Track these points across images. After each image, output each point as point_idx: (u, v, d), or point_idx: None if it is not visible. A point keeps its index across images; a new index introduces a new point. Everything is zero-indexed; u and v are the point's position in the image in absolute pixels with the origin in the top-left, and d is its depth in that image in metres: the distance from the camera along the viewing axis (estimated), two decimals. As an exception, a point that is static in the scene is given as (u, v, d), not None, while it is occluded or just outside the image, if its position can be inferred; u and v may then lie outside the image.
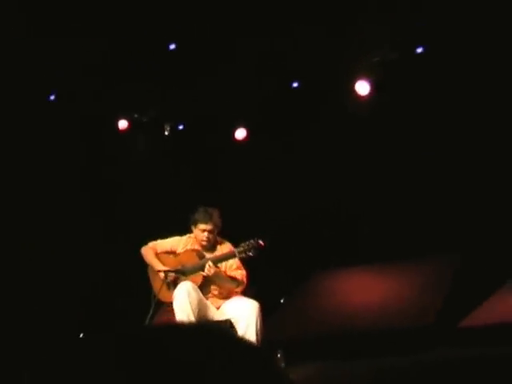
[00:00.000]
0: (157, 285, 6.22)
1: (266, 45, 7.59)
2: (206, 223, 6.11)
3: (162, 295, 6.12)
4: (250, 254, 5.86)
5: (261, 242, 5.85)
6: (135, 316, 6.77)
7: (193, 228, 6.21)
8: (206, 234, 6.13)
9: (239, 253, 5.92)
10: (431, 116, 7.54)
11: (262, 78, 7.92)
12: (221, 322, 6.02)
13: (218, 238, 6.26)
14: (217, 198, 7.15)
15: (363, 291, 7.21)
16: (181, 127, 8.81)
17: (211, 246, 6.23)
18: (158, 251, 6.36)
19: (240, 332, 5.84)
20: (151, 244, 6.41)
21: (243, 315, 5.88)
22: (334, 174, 7.94)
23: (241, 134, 8.49)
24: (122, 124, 8.66)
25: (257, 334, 5.81)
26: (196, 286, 5.99)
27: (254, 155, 8.30)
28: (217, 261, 6.05)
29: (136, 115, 8.75)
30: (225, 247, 6.24)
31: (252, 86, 8.02)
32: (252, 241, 5.88)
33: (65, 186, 8.06)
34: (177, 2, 7.52)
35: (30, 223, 7.70)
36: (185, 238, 6.34)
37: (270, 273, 6.37)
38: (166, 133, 8.74)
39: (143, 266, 6.44)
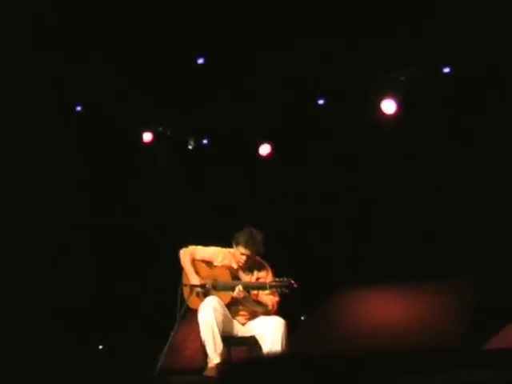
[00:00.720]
0: (186, 291, 6.21)
1: (292, 59, 7.60)
2: (245, 248, 6.06)
3: (191, 302, 6.11)
4: (282, 290, 5.87)
5: (294, 283, 5.86)
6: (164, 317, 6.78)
7: (234, 246, 6.18)
8: (244, 257, 6.09)
9: (270, 287, 5.92)
10: (456, 136, 7.52)
11: (287, 93, 7.93)
12: (245, 338, 6.02)
13: (259, 261, 6.23)
14: (239, 212, 7.14)
15: (384, 311, 7.16)
16: (205, 141, 8.83)
17: (248, 268, 6.20)
18: (196, 257, 6.32)
19: (265, 349, 5.83)
20: (191, 248, 6.35)
21: (269, 332, 5.85)
22: (357, 190, 7.92)
23: (265, 149, 8.49)
24: (147, 137, 8.71)
25: (282, 351, 5.78)
26: (222, 303, 5.97)
27: (278, 170, 8.30)
28: (248, 287, 6.03)
29: (160, 128, 8.79)
30: (262, 273, 6.20)
31: (277, 101, 8.02)
32: (286, 279, 5.88)
33: (89, 195, 8.09)
34: (204, 16, 7.55)
35: (57, 236, 7.72)
36: (225, 251, 6.29)
37: (292, 290, 6.33)
38: (190, 147, 8.77)
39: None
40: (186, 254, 6.33)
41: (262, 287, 6.02)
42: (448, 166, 7.46)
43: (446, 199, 7.46)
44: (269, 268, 6.23)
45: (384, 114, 7.85)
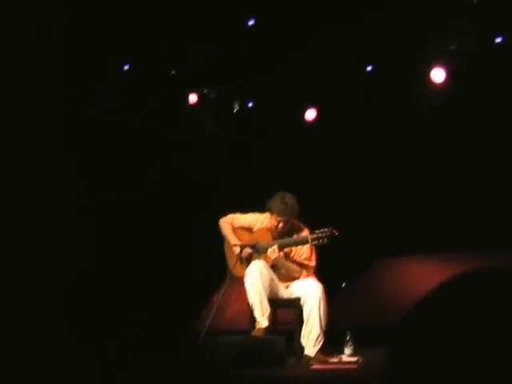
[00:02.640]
0: (231, 259, 6.26)
1: (341, 27, 7.53)
2: (280, 214, 6.08)
3: (236, 270, 6.16)
4: (323, 242, 5.83)
5: (335, 231, 5.81)
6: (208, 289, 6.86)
7: (269, 214, 6.19)
8: (281, 223, 6.11)
9: (312, 240, 5.88)
10: (506, 109, 7.43)
11: (335, 60, 7.88)
12: (290, 300, 6.07)
13: (296, 223, 6.24)
14: (282, 178, 7.14)
15: (425, 281, 7.15)
16: (250, 105, 8.82)
17: (287, 232, 6.21)
18: (236, 225, 6.37)
19: (305, 312, 5.88)
20: (230, 217, 6.41)
21: (309, 296, 5.89)
22: (403, 160, 7.88)
23: (311, 114, 8.47)
24: (192, 98, 8.73)
25: (320, 315, 5.82)
26: (268, 266, 6.02)
27: (322, 137, 8.28)
28: (288, 244, 6.04)
29: (206, 90, 8.79)
30: (300, 233, 6.22)
31: (325, 68, 7.97)
32: (326, 229, 5.82)
33: (135, 157, 8.12)
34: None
35: (108, 191, 7.75)
36: (263, 216, 6.32)
37: (334, 257, 6.34)
38: (235, 110, 8.78)
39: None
40: (226, 223, 6.39)
41: (302, 242, 6.03)
42: (499, 138, 7.38)
43: (496, 171, 7.40)
44: (306, 227, 6.24)
45: (433, 83, 7.79)
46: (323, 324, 5.82)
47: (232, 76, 8.43)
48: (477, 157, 7.49)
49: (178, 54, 8.13)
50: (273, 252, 5.95)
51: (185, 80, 8.53)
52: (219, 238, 6.49)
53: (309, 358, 5.76)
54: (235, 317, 7.16)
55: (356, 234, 6.03)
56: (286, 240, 6.10)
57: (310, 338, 5.82)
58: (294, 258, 6.15)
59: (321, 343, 5.81)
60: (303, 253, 6.15)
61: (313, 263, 6.15)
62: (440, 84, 7.82)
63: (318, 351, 5.79)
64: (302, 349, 5.84)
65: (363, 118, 8.17)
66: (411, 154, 7.86)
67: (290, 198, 6.08)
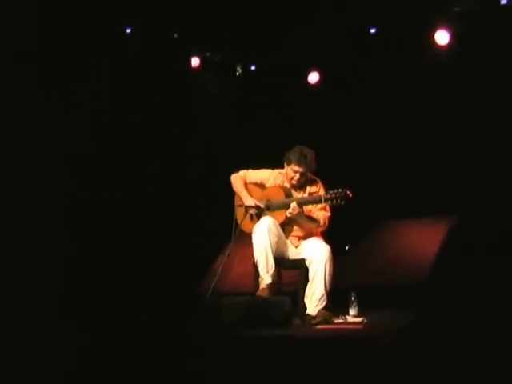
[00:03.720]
0: (240, 215, 6.27)
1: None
2: (298, 165, 6.07)
3: (244, 226, 6.17)
4: (337, 202, 5.82)
5: (349, 192, 5.81)
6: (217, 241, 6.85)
7: (285, 166, 6.18)
8: (297, 175, 6.11)
9: (326, 199, 5.88)
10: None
11: (338, 23, 7.82)
12: (296, 261, 6.09)
13: (310, 177, 6.24)
14: (286, 140, 7.11)
15: (431, 242, 7.18)
16: (253, 68, 8.78)
17: (300, 186, 6.22)
18: (247, 181, 6.37)
19: (311, 272, 5.91)
20: (242, 172, 6.41)
21: (315, 257, 5.91)
22: (406, 121, 7.86)
23: (314, 77, 8.43)
24: (195, 61, 8.67)
25: (325, 276, 5.85)
26: (277, 223, 6.03)
27: (326, 100, 8.25)
28: (303, 202, 6.05)
29: (208, 53, 8.74)
30: (315, 187, 6.21)
31: (328, 31, 7.92)
32: (340, 189, 5.82)
33: (136, 118, 8.06)
34: None
35: (116, 158, 7.71)
36: (276, 172, 6.33)
37: (338, 219, 6.35)
38: (238, 73, 8.74)
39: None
40: (238, 178, 6.39)
41: (316, 200, 6.02)
42: (504, 98, 7.35)
43: (501, 132, 7.38)
44: (321, 183, 6.24)
45: (437, 45, 7.76)
46: (328, 285, 5.85)
47: (235, 39, 8.38)
48: (483, 118, 7.46)
49: (180, 17, 8.05)
50: (294, 208, 5.93)
51: (187, 43, 8.47)
52: (222, 203, 6.51)
53: (311, 318, 5.79)
54: (239, 279, 7.18)
55: (360, 196, 5.99)
56: (299, 198, 6.10)
57: (314, 299, 5.84)
58: (311, 211, 6.14)
59: (324, 303, 5.83)
60: (318, 204, 6.10)
61: (328, 214, 6.14)
62: (444, 46, 7.79)
63: (320, 310, 5.82)
64: (305, 309, 5.88)
65: (366, 80, 8.13)
66: (414, 117, 7.83)
67: (309, 152, 6.09)
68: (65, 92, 6.97)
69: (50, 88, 6.76)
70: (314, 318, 5.80)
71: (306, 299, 5.89)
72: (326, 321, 5.76)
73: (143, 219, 7.70)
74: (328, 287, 5.86)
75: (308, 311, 5.85)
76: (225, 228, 6.33)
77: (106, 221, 7.34)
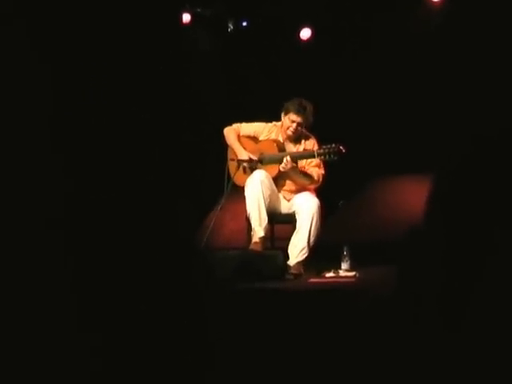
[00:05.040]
0: (232, 168, 6.25)
1: None
2: (297, 115, 6.04)
3: (237, 179, 6.16)
4: (330, 157, 5.83)
5: (342, 148, 5.81)
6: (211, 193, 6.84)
7: (282, 116, 6.16)
8: (294, 125, 6.08)
9: (318, 154, 5.88)
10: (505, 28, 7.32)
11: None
12: (287, 215, 6.12)
13: (305, 132, 6.23)
14: (276, 96, 7.07)
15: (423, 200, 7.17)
16: (244, 24, 8.69)
17: (296, 139, 6.20)
18: (241, 134, 6.36)
19: (298, 225, 5.93)
20: (235, 126, 6.38)
21: (303, 210, 5.92)
22: (400, 79, 7.81)
23: (306, 33, 8.37)
24: (185, 17, 8.57)
25: (310, 229, 5.86)
26: (270, 177, 6.02)
27: (318, 56, 8.18)
28: (296, 157, 6.04)
29: (199, 9, 8.64)
30: (309, 143, 6.21)
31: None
32: (334, 145, 5.83)
33: (129, 76, 7.99)
34: None
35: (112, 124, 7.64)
36: (270, 125, 6.31)
37: (332, 175, 6.34)
38: (229, 29, 8.65)
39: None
40: (231, 131, 6.36)
41: (310, 155, 6.02)
42: (497, 55, 7.29)
43: (495, 90, 7.33)
44: (315, 138, 6.23)
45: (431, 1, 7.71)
46: (312, 238, 5.86)
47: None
48: (477, 76, 7.41)
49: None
50: (287, 163, 5.93)
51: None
52: (211, 159, 6.48)
53: (289, 267, 5.81)
54: (231, 235, 7.19)
55: (353, 152, 5.98)
56: (293, 153, 6.08)
57: (295, 250, 5.85)
58: (305, 167, 6.14)
59: (304, 256, 5.83)
60: (312, 161, 6.13)
61: (322, 171, 6.14)
62: (437, 2, 7.74)
63: (298, 263, 5.83)
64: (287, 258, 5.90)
65: (358, 36, 8.06)
66: (408, 71, 7.77)
67: (308, 104, 6.08)
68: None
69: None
70: (290, 267, 5.81)
71: (288, 250, 5.90)
72: (297, 276, 5.76)
73: (135, 171, 7.66)
74: (312, 240, 5.86)
75: (288, 261, 5.87)
76: (217, 183, 6.32)
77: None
